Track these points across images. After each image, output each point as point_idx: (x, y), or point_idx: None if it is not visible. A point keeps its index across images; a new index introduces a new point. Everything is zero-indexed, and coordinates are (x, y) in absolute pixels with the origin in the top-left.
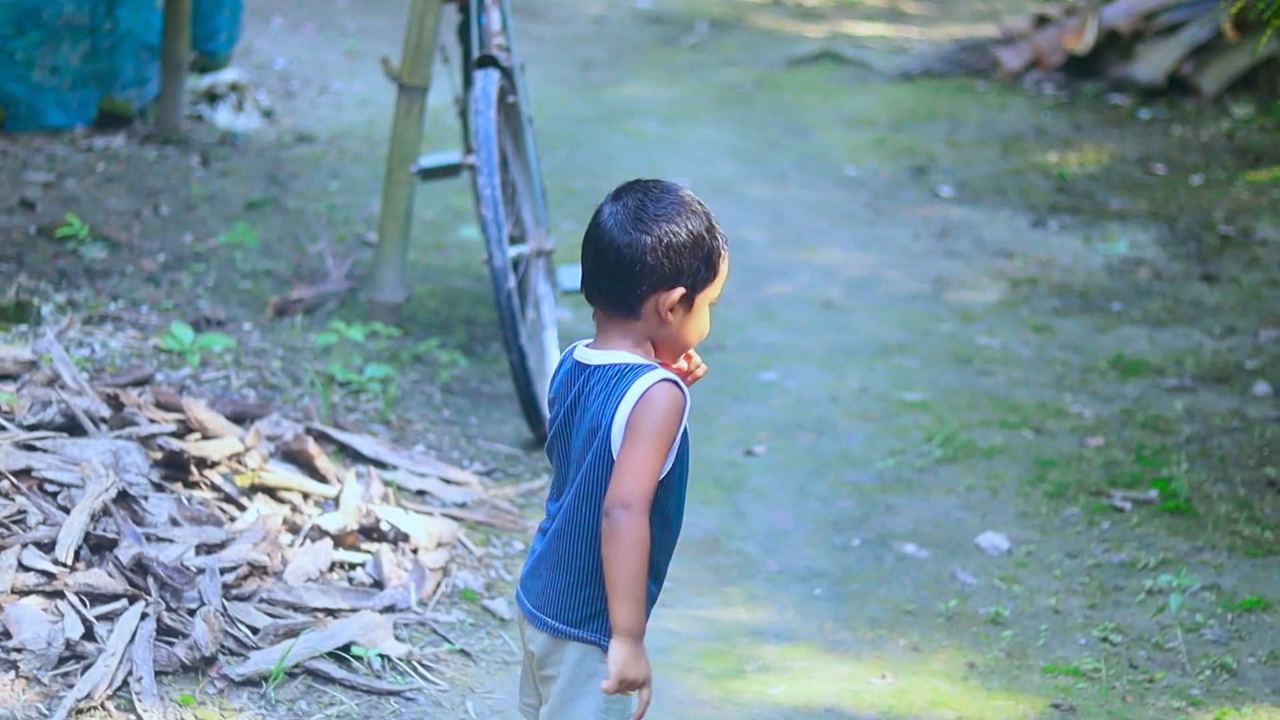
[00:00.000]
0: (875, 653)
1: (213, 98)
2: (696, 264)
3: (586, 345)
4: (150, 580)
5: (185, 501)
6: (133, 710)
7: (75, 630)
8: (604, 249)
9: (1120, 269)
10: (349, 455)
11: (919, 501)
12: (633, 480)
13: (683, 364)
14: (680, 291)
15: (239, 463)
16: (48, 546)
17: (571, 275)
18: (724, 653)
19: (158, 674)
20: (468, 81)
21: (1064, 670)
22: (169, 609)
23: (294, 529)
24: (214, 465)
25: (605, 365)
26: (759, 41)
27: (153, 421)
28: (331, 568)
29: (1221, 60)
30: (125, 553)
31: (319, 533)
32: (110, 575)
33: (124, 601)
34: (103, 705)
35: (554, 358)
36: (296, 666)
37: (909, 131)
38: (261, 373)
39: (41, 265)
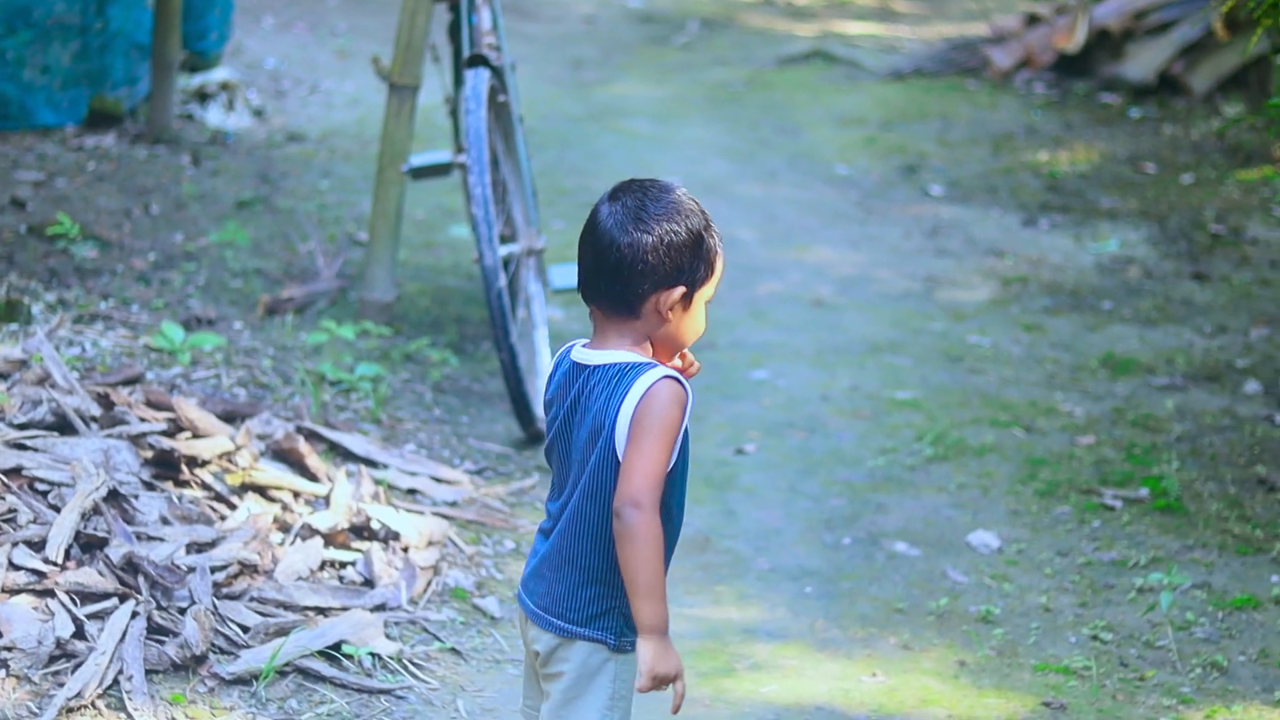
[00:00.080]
0: (866, 651)
1: (203, 97)
2: (696, 262)
3: (584, 345)
4: (141, 579)
5: (176, 500)
6: (123, 709)
7: (66, 629)
8: (604, 249)
9: (1111, 268)
10: (340, 454)
11: (910, 500)
12: (641, 478)
13: (677, 361)
14: (681, 290)
15: (230, 461)
16: (38, 545)
17: (562, 274)
18: (715, 651)
19: (148, 673)
20: (458, 80)
21: (1054, 668)
22: (159, 608)
23: (285, 528)
24: (205, 464)
25: (605, 365)
26: (750, 40)
27: (143, 420)
28: (322, 566)
29: (1212, 59)
30: (116, 551)
31: (310, 531)
32: (101, 574)
33: (114, 600)
34: (93, 704)
35: (545, 356)
36: (287, 665)
37: (900, 130)
38: (252, 371)
39: (32, 264)
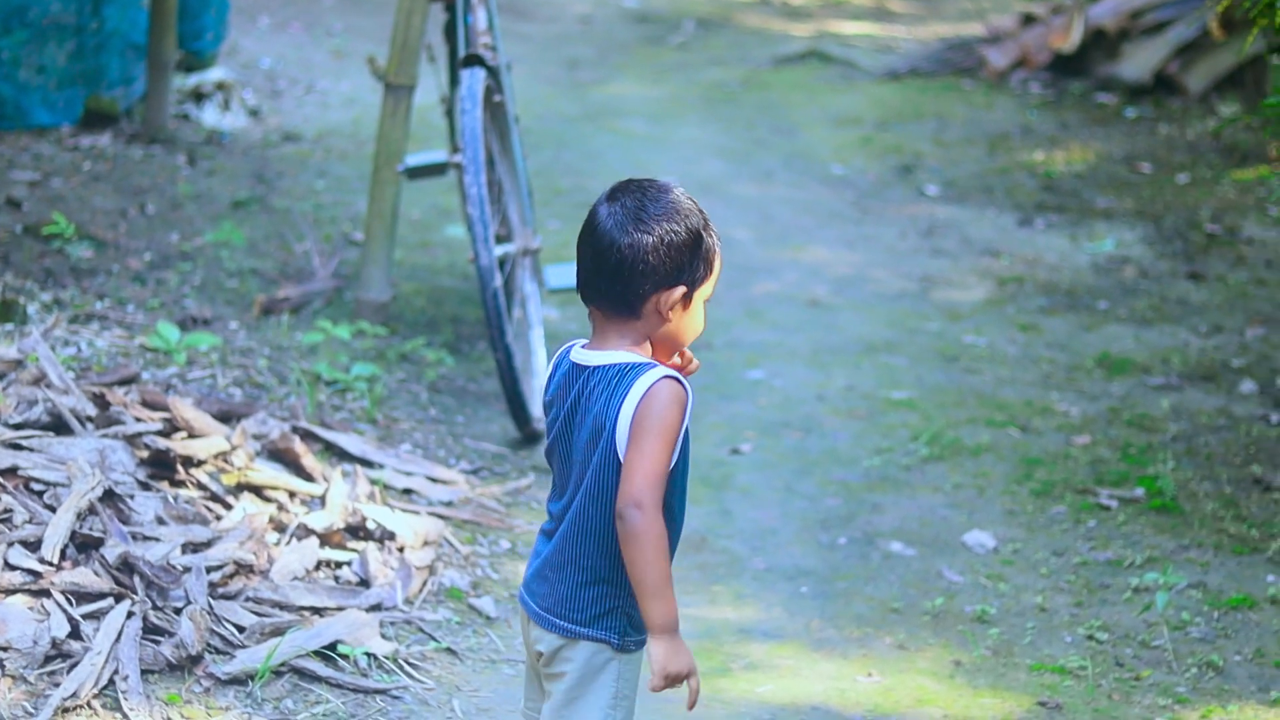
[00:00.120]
0: (862, 651)
1: (199, 97)
2: (696, 262)
3: (583, 346)
4: (136, 579)
5: (171, 500)
6: (119, 709)
7: (61, 629)
8: (604, 250)
9: (1106, 267)
10: (335, 454)
11: (905, 500)
12: (642, 479)
13: (676, 359)
14: (682, 290)
15: (225, 461)
16: (34, 545)
17: (558, 274)
18: (711, 651)
19: (144, 673)
20: (454, 80)
21: (1050, 668)
22: (155, 608)
23: (280, 528)
24: (200, 464)
25: (605, 365)
26: (746, 40)
27: (139, 420)
28: (318, 566)
29: (1208, 59)
30: (111, 551)
31: (305, 531)
32: (96, 574)
33: (110, 600)
34: (89, 704)
35: (540, 356)
36: (283, 665)
37: (895, 130)
38: (248, 371)
39: (28, 264)
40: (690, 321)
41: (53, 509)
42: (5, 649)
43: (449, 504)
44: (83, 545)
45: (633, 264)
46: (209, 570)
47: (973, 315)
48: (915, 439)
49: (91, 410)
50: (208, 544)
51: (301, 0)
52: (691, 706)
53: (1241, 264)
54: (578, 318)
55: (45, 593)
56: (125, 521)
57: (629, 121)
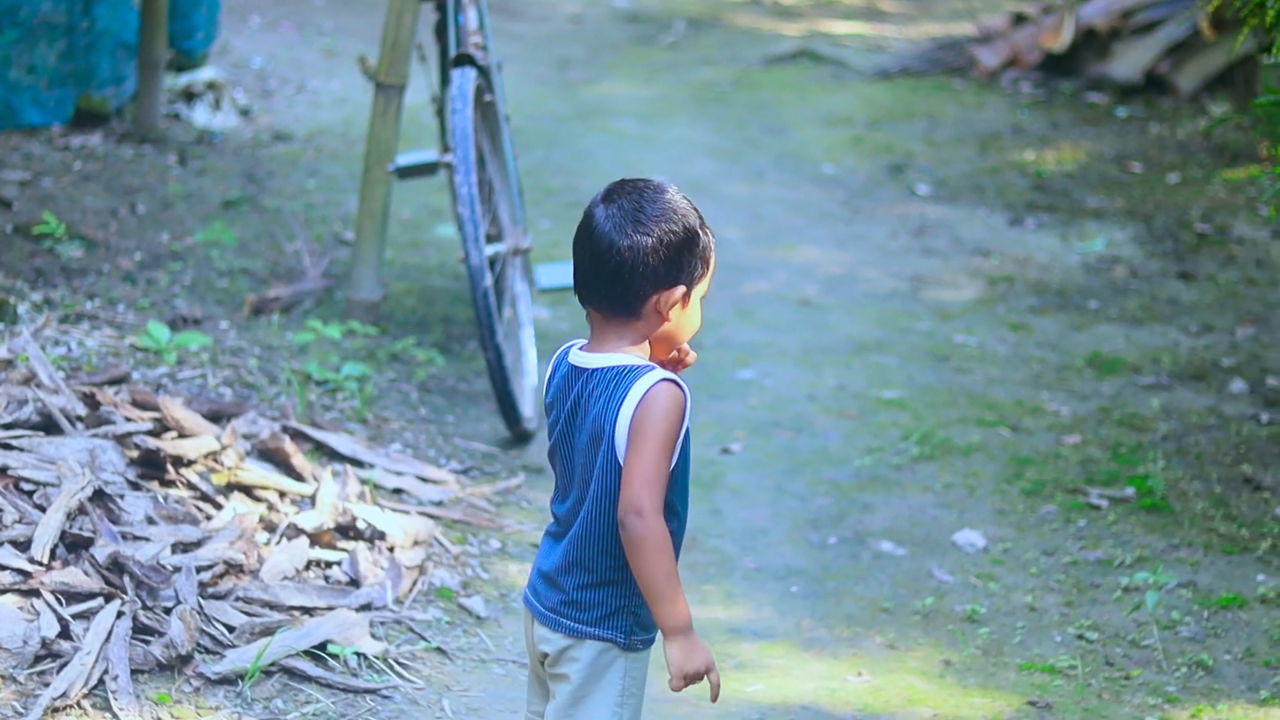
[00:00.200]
0: (852, 650)
1: (190, 96)
2: (694, 261)
3: (581, 348)
4: (126, 579)
5: (161, 500)
6: (109, 709)
7: (51, 629)
8: (603, 252)
9: (1097, 267)
10: (325, 454)
11: (896, 499)
12: (641, 486)
13: (674, 354)
14: (681, 290)
15: (215, 461)
16: (23, 545)
17: (549, 273)
18: None
19: (134, 672)
20: (445, 80)
21: (1040, 667)
22: (145, 607)
23: (270, 527)
24: (190, 464)
25: (604, 368)
26: (736, 40)
27: (129, 420)
28: (308, 566)
29: (1198, 59)
30: (101, 551)
31: (295, 531)
32: (86, 574)
33: (100, 600)
34: (79, 704)
35: (531, 355)
36: (273, 665)
37: (886, 130)
38: (238, 371)
39: (18, 264)
40: (688, 319)
41: (43, 509)
42: None
43: (439, 504)
44: (73, 545)
45: (632, 266)
46: (199, 570)
47: (963, 315)
48: (906, 438)
49: (81, 410)
50: (198, 544)
51: (292, 0)
52: (714, 699)
53: (1232, 263)
54: (568, 317)
55: (35, 592)
56: (115, 521)
57: (620, 121)
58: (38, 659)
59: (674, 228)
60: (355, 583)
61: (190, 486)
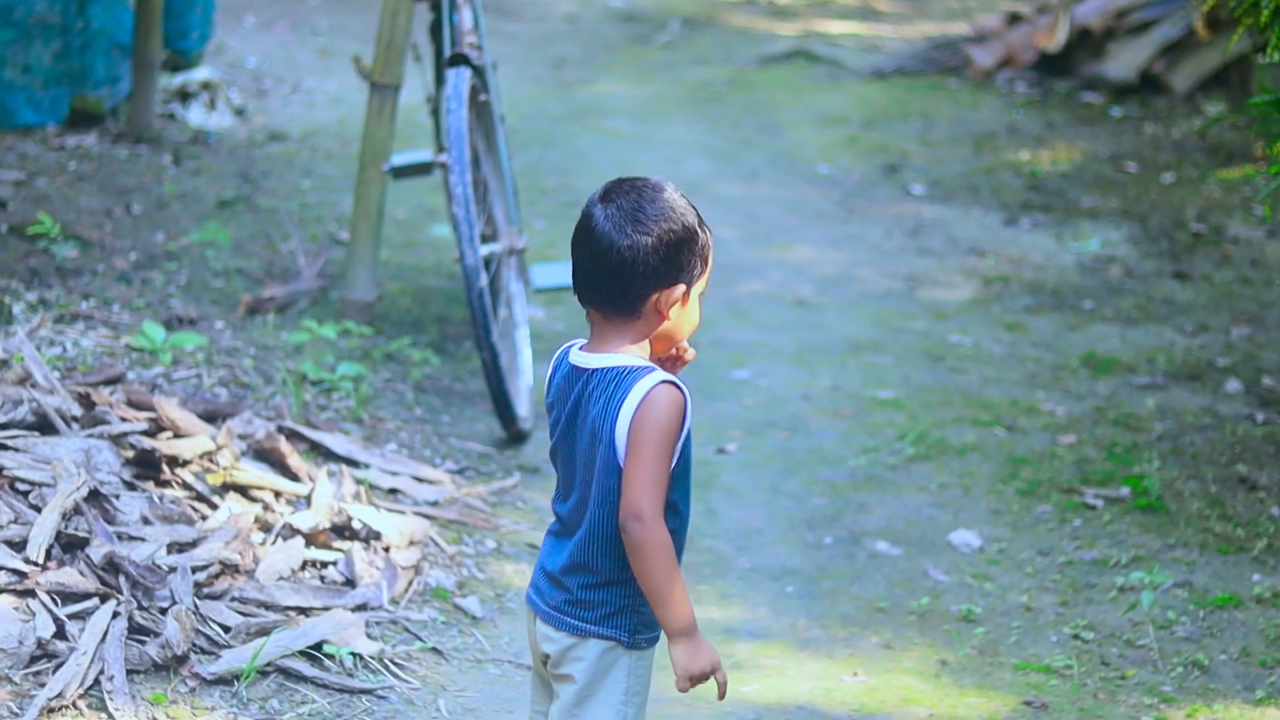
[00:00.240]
0: (847, 650)
1: (185, 96)
2: (693, 259)
3: (581, 348)
4: (122, 579)
5: (157, 500)
6: (104, 709)
7: (47, 629)
8: (604, 252)
9: (1092, 267)
10: (321, 454)
11: (891, 499)
12: (640, 491)
13: (673, 351)
14: (681, 288)
15: (211, 461)
16: (19, 545)
17: (544, 273)
18: None
19: (129, 673)
20: (439, 80)
21: (1036, 667)
22: (140, 608)
23: (266, 527)
24: (186, 464)
25: (604, 369)
26: (731, 40)
27: (124, 420)
28: (303, 566)
29: (1193, 58)
30: (97, 551)
31: (291, 531)
32: (82, 574)
33: (95, 600)
34: (74, 704)
35: (526, 356)
36: (268, 665)
37: (881, 130)
38: (233, 371)
39: (13, 264)
40: (688, 316)
41: (38, 509)
42: None
43: (434, 504)
44: (68, 545)
45: (633, 265)
46: (194, 570)
47: (958, 315)
48: (901, 438)
49: (77, 410)
50: (193, 544)
51: (287, 0)
52: (721, 697)
53: (1227, 263)
54: (564, 317)
55: (30, 593)
56: (110, 521)
57: (615, 121)
58: (33, 659)
59: (673, 226)
60: (351, 583)
61: (185, 487)
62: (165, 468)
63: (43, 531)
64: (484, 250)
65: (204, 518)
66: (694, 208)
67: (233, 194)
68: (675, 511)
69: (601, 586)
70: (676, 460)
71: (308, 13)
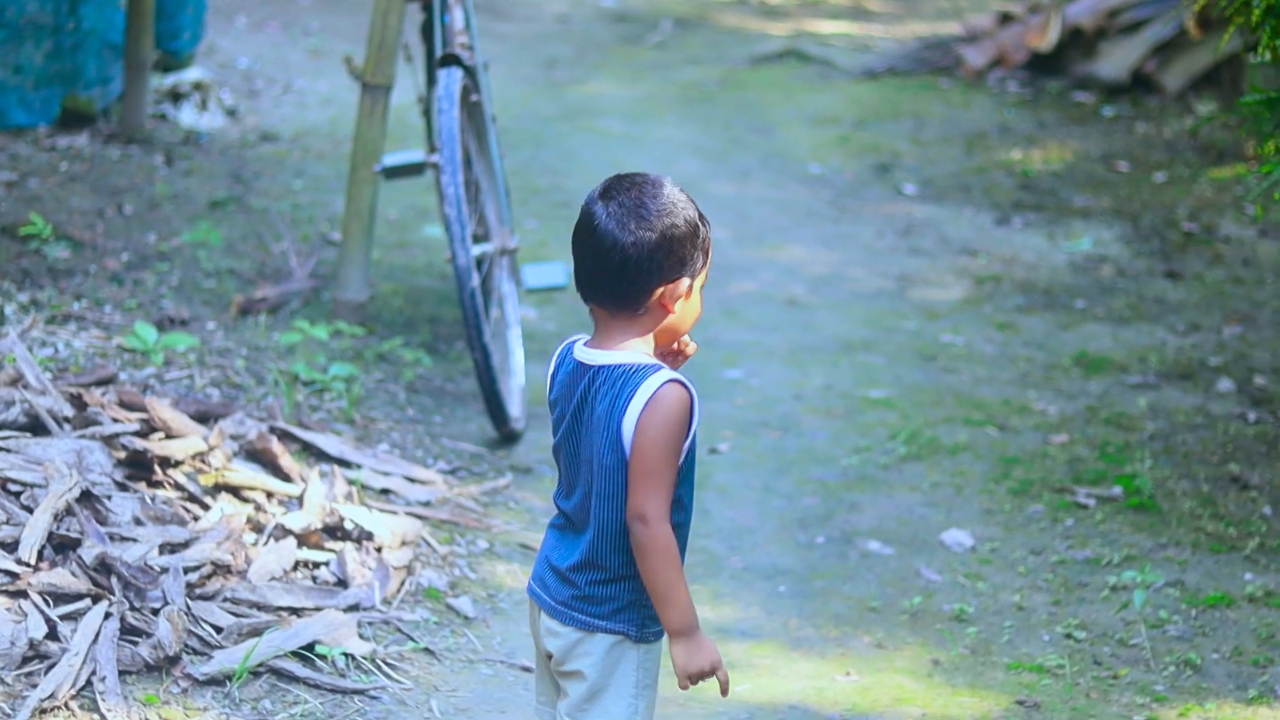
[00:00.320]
0: (840, 650)
1: (176, 97)
2: (696, 252)
3: (585, 344)
4: (114, 580)
5: (149, 501)
6: (96, 710)
7: (38, 630)
8: (607, 250)
9: (1084, 266)
10: (313, 454)
11: (883, 499)
12: (645, 492)
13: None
14: (686, 282)
15: (203, 462)
16: (11, 546)
17: (536, 273)
18: None
19: (121, 673)
20: (431, 80)
21: (1028, 667)
22: (132, 608)
23: (258, 528)
24: (178, 464)
25: (610, 365)
26: (723, 40)
27: (116, 421)
28: (295, 567)
29: (1185, 58)
30: (89, 552)
31: (283, 532)
32: (74, 575)
33: (87, 601)
34: (66, 705)
35: (518, 355)
36: (260, 665)
37: (873, 129)
38: (225, 372)
39: (4, 265)
40: (691, 309)
41: (30, 510)
42: None
43: (426, 504)
44: (60, 546)
45: (638, 262)
46: (186, 571)
47: (950, 314)
48: (893, 438)
49: (69, 411)
50: (185, 544)
51: (278, 0)
52: (725, 694)
53: (1218, 262)
54: (556, 317)
55: (22, 594)
56: (102, 522)
57: (606, 121)
58: (25, 660)
59: (676, 221)
60: (343, 583)
61: (178, 487)
62: (157, 468)
63: (35, 532)
64: (476, 250)
65: (196, 518)
66: (694, 202)
67: (224, 195)
68: (680, 506)
69: (610, 582)
70: (683, 456)
71: (299, 13)
